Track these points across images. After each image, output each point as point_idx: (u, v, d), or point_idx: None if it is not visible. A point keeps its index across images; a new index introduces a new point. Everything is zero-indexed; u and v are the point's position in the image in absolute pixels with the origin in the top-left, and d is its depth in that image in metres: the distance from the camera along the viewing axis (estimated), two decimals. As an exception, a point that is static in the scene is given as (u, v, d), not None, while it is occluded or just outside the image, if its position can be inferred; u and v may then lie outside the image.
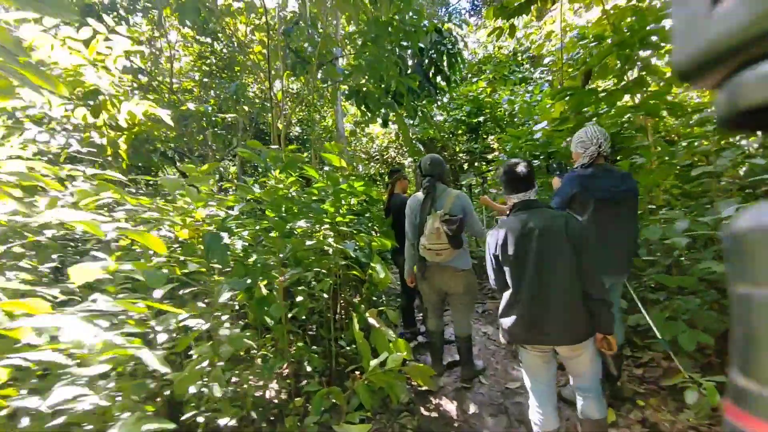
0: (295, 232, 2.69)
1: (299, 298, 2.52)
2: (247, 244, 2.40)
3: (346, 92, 4.31)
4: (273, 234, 2.24)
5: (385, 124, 4.42)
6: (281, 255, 2.31)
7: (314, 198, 2.67)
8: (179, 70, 7.64)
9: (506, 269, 1.49)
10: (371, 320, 2.61)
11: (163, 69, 6.94)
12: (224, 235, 2.10)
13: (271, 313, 2.06)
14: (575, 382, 1.61)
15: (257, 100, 6.89)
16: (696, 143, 2.81)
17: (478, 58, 8.64)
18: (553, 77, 7.11)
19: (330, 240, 2.63)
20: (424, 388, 2.51)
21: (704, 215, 2.28)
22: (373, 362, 2.21)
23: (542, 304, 1.44)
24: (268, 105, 5.26)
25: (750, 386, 0.19)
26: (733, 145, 2.50)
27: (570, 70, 5.26)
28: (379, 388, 2.36)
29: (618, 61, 3.23)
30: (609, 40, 3.42)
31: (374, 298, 3.11)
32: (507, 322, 1.52)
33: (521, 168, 1.56)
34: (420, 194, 2.50)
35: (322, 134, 9.85)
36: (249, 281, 2.13)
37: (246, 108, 6.84)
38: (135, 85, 5.04)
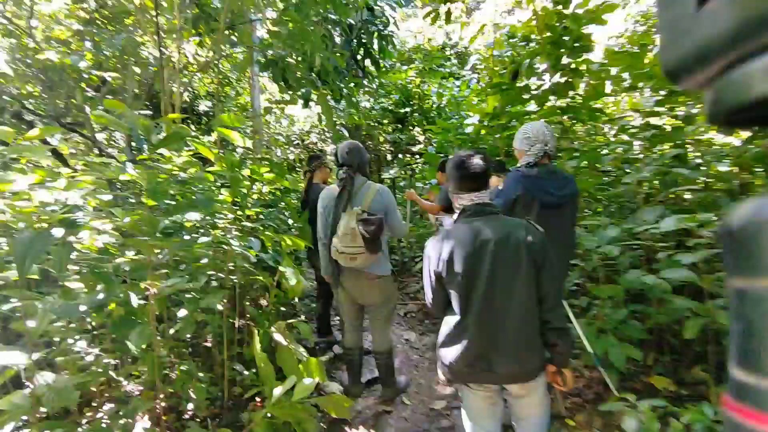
0: (183, 229, 2.10)
1: (183, 312, 1.96)
2: (110, 242, 1.78)
3: (261, 62, 3.68)
4: (144, 229, 1.66)
5: (306, 104, 3.89)
6: (157, 258, 1.73)
7: (208, 185, 2.10)
8: (52, 15, 6.07)
9: (451, 291, 1.18)
10: (277, 336, 2.15)
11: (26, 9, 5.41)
12: (57, 232, 1.48)
13: (133, 340, 1.49)
14: (519, 427, 1.36)
15: (154, 63, 5.75)
16: (620, 149, 2.84)
17: (408, 47, 8.42)
18: (480, 75, 7.18)
19: (232, 238, 2.10)
20: (339, 414, 2.14)
21: (626, 222, 2.26)
22: (278, 390, 1.77)
23: (493, 335, 1.15)
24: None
25: (750, 380, 0.20)
26: (661, 153, 2.54)
27: (497, 68, 5.27)
28: (284, 422, 1.93)
29: (547, 62, 3.16)
30: (538, 40, 3.35)
31: (283, 308, 2.64)
32: (449, 355, 1.21)
33: (476, 162, 1.23)
34: (335, 187, 2.10)
35: (235, 111, 8.81)
36: (101, 297, 1.54)
37: (137, 70, 5.67)
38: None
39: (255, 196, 3.35)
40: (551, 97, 3.24)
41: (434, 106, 6.54)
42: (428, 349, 2.90)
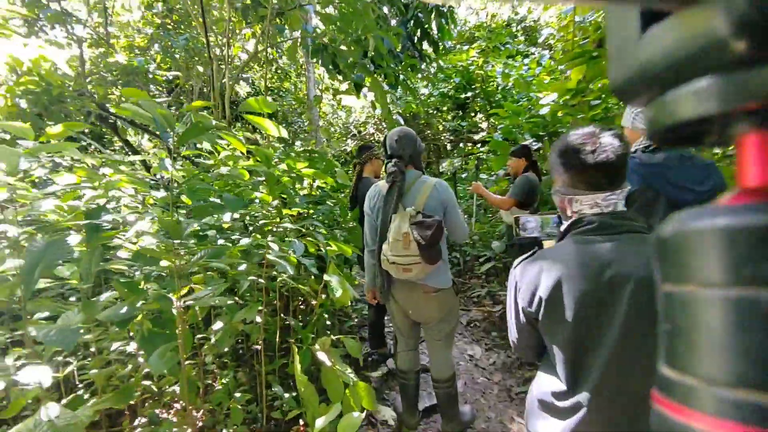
0: (220, 232, 1.92)
1: (218, 324, 1.77)
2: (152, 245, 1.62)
3: (311, 48, 3.44)
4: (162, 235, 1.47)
5: (358, 91, 3.60)
6: (184, 265, 1.54)
7: (246, 182, 1.88)
8: (134, 23, 6.47)
9: (553, 343, 0.80)
10: (321, 356, 1.88)
11: (112, 20, 5.79)
12: (74, 239, 1.32)
13: (153, 364, 1.29)
14: None
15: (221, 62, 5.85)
16: None
17: (469, 27, 7.78)
18: (554, 50, 6.38)
19: (270, 242, 1.86)
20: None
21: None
22: (320, 421, 1.50)
23: (616, 412, 0.74)
24: (213, 61, 4.31)
25: (673, 376, 0.22)
26: None
27: (577, 39, 4.53)
28: (328, 458, 1.67)
29: None
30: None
31: (329, 322, 2.38)
32: (544, 430, 0.82)
33: (607, 142, 0.75)
34: (383, 183, 1.76)
35: (293, 105, 8.86)
36: (125, 310, 1.37)
37: (200, 69, 5.81)
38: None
39: (303, 193, 3.14)
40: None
41: (499, 88, 5.91)
42: (497, 370, 2.47)
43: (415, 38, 5.09)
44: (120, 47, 6.04)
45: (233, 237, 1.95)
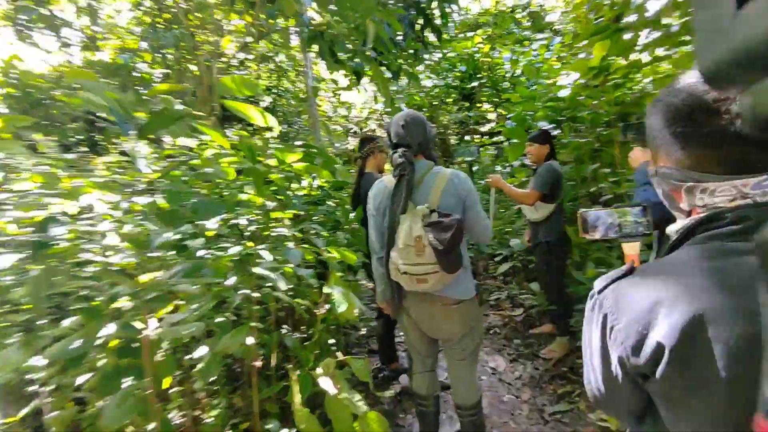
0: (197, 241, 1.66)
1: (203, 350, 1.51)
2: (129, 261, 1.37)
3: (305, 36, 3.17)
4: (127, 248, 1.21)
5: (358, 80, 3.32)
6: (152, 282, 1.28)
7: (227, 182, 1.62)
8: (128, 26, 6.24)
9: (688, 419, 0.46)
10: (324, 382, 1.62)
11: (102, 21, 5.57)
12: (5, 259, 1.08)
13: (108, 417, 1.04)
14: None
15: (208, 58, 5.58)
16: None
17: (472, 14, 7.46)
18: (564, 33, 6.05)
19: (262, 250, 1.60)
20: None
21: None
22: (325, 464, 1.25)
23: None
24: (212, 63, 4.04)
25: None
26: None
27: (591, 18, 4.21)
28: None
29: None
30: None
31: (333, 339, 2.11)
32: None
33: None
34: (389, 178, 1.49)
35: (293, 105, 8.59)
36: (78, 344, 1.12)
37: (193, 68, 5.56)
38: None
39: (302, 193, 2.88)
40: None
41: (507, 75, 5.60)
42: (525, 386, 2.19)
43: (417, 26, 4.81)
44: (112, 49, 5.82)
45: (224, 245, 1.70)
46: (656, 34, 2.42)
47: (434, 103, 6.40)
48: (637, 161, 1.34)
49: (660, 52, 2.45)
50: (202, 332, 1.21)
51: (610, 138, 2.92)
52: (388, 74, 3.84)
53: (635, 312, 0.49)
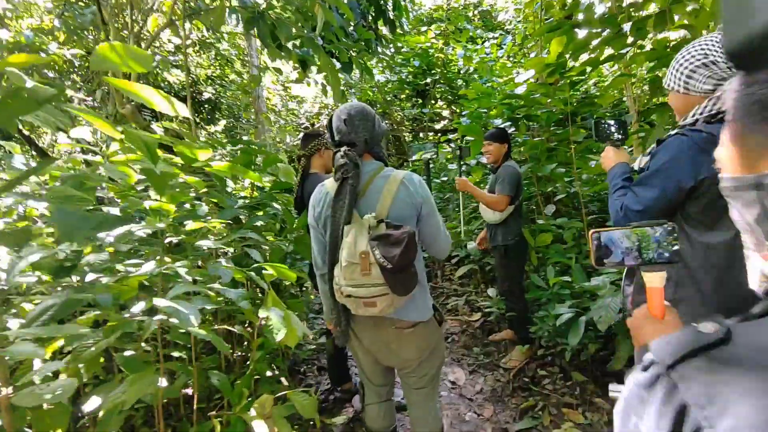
0: (104, 257, 1.32)
1: (95, 402, 1.19)
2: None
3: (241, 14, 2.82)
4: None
5: (304, 68, 3.03)
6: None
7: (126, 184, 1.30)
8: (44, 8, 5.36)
9: None
10: (258, 426, 1.36)
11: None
12: None
13: None
14: None
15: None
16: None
17: (425, 9, 7.35)
18: (515, 32, 6.11)
19: (179, 267, 1.30)
20: None
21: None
22: None
23: None
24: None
25: None
26: None
27: (543, 17, 4.21)
28: None
29: None
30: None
31: (273, 362, 1.83)
32: None
33: None
34: (330, 182, 1.26)
35: (239, 97, 8.01)
36: None
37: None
38: None
39: (241, 195, 2.54)
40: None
41: (461, 73, 5.53)
42: (487, 400, 2.05)
43: (370, 17, 4.58)
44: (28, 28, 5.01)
45: (137, 261, 1.36)
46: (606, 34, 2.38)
47: (388, 98, 6.21)
48: (611, 162, 1.21)
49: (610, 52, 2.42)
50: (70, 391, 0.89)
51: (565, 137, 2.88)
52: (339, 65, 3.58)
53: (748, 421, 0.29)
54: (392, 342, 1.30)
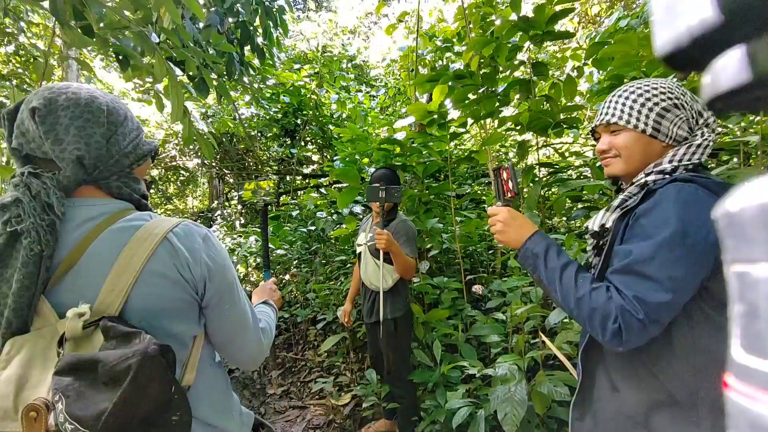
0: None
1: None
2: None
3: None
4: None
5: (123, 66, 2.22)
6: None
7: None
8: None
9: None
10: None
11: None
12: None
13: None
14: None
15: None
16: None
17: (298, 51, 7.15)
18: (388, 85, 6.30)
19: None
20: None
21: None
22: None
23: None
24: None
25: (753, 361, 0.19)
26: None
27: (411, 73, 4.34)
28: None
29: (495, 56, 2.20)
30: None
31: None
32: None
33: None
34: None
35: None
36: None
37: None
38: None
39: None
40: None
41: (334, 117, 5.32)
42: None
43: (235, 40, 4.02)
44: None
45: None
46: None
47: (252, 133, 5.54)
48: (519, 232, 0.90)
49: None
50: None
51: (442, 189, 2.74)
52: (184, 77, 2.86)
53: None
54: None
